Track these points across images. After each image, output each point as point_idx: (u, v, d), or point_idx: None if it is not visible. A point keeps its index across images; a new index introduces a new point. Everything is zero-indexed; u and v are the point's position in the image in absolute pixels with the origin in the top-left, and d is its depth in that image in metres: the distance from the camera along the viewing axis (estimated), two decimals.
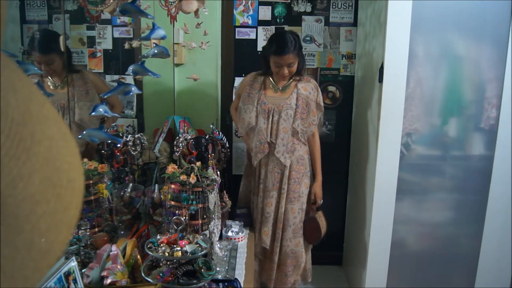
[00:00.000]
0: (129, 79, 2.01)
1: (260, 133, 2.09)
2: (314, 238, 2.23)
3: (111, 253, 1.18)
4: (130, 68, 1.47)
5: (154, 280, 1.24)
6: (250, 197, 2.31)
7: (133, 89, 1.46)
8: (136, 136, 1.83)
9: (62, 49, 1.79)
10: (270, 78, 2.14)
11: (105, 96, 1.43)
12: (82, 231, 1.40)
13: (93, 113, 1.39)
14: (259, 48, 2.63)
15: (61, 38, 1.79)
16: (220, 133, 2.00)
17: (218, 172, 1.73)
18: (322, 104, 2.18)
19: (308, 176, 2.20)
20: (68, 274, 1.04)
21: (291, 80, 2.13)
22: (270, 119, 2.08)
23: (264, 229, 2.15)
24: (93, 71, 2.15)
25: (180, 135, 1.94)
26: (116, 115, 1.52)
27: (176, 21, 1.65)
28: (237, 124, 2.26)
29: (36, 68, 1.54)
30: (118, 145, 1.76)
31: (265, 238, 2.15)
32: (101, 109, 1.39)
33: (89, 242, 1.41)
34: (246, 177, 2.34)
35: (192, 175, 1.51)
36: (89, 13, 1.51)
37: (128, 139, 1.80)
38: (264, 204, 2.15)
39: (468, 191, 2.20)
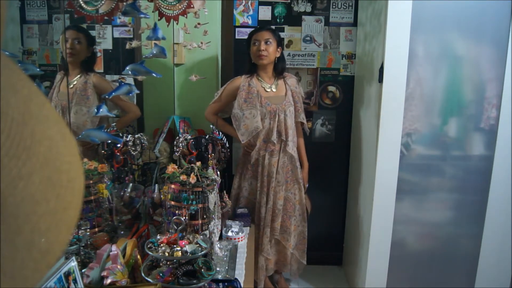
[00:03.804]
0: (129, 79, 2.01)
1: (265, 132, 2.19)
2: None
3: (111, 253, 1.18)
4: (128, 68, 1.47)
5: (154, 280, 1.24)
6: (251, 199, 2.32)
7: (134, 88, 1.47)
8: (136, 136, 1.83)
9: (62, 48, 1.80)
10: (258, 78, 2.23)
11: (110, 96, 1.44)
12: (82, 231, 1.40)
13: (97, 114, 1.40)
14: None
15: (61, 38, 1.79)
16: (220, 133, 2.00)
17: (218, 172, 1.73)
18: (303, 95, 2.40)
19: (298, 164, 2.35)
20: (68, 274, 1.04)
21: (276, 78, 2.25)
22: (277, 119, 2.18)
23: (277, 220, 2.27)
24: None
25: (180, 135, 1.94)
26: (113, 115, 1.53)
27: (178, 22, 1.65)
28: (226, 129, 2.30)
29: (37, 69, 1.55)
30: (118, 145, 1.76)
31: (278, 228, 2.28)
32: (102, 109, 1.40)
33: (89, 242, 1.41)
34: (245, 179, 2.30)
35: (192, 175, 1.51)
36: (78, 14, 1.51)
37: (128, 139, 1.80)
38: (277, 198, 2.26)
39: (468, 191, 2.20)
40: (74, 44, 1.82)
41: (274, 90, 2.22)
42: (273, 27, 2.46)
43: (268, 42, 2.15)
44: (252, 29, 2.32)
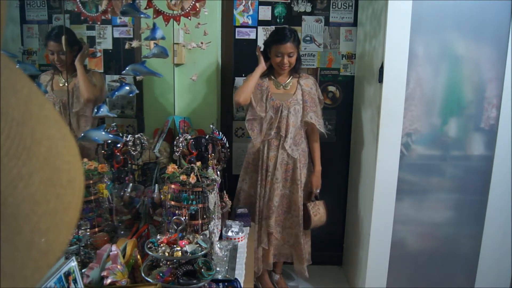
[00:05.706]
0: (129, 79, 2.01)
1: (268, 123, 2.24)
2: (305, 225, 2.34)
3: (111, 253, 1.18)
4: (128, 68, 1.47)
5: (154, 280, 1.24)
6: (251, 192, 2.37)
7: (134, 88, 1.47)
8: (136, 136, 1.82)
9: (64, 48, 1.80)
10: (272, 76, 2.28)
11: (113, 97, 1.45)
12: (82, 231, 1.40)
13: (97, 114, 1.40)
14: None
15: (63, 38, 1.79)
16: (220, 133, 2.00)
17: (218, 172, 1.73)
18: (322, 98, 2.35)
19: (307, 166, 2.34)
20: (68, 274, 1.04)
21: (291, 77, 2.27)
22: (279, 114, 2.22)
23: (272, 217, 2.29)
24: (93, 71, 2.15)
25: (180, 135, 1.94)
26: (113, 115, 1.53)
27: (179, 23, 1.65)
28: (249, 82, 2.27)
29: (35, 69, 1.55)
30: (118, 145, 1.76)
31: (273, 224, 2.30)
32: (102, 109, 1.40)
33: (89, 242, 1.41)
34: (247, 173, 2.37)
35: (192, 175, 1.51)
36: (85, 16, 1.51)
37: (128, 139, 1.80)
38: (274, 194, 2.27)
39: (468, 191, 2.20)
40: (59, 56, 1.83)
41: (285, 88, 2.27)
42: (292, 27, 2.37)
43: (291, 55, 2.18)
44: (266, 26, 2.38)
